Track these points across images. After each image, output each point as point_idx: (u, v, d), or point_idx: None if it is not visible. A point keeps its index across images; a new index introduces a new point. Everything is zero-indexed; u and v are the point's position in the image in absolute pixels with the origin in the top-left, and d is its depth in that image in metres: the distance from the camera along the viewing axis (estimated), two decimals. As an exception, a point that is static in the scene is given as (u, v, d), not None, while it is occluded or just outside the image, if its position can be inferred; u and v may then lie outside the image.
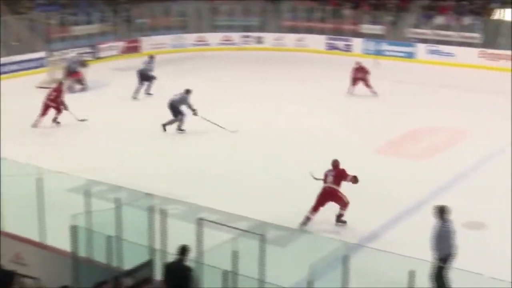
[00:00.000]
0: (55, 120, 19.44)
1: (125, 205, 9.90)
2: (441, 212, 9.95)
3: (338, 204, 12.67)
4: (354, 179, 12.73)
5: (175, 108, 18.82)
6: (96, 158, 16.44)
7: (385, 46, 30.87)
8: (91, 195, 10.23)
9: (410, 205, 13.46)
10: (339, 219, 12.69)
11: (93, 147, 17.70)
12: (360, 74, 23.06)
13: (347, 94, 23.04)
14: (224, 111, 20.26)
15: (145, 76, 22.92)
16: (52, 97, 19.51)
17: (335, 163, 12.85)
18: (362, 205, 13.26)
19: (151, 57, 23.60)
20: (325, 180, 12.73)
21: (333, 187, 12.62)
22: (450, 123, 19.63)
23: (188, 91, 18.93)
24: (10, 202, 11.46)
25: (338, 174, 12.68)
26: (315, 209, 12.57)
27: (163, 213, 9.46)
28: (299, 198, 13.87)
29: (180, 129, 18.85)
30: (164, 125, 18.76)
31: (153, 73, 23.03)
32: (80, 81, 24.05)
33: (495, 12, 30.66)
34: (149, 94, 23.06)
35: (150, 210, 9.57)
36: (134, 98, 22.67)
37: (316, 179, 13.06)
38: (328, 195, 12.62)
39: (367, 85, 22.89)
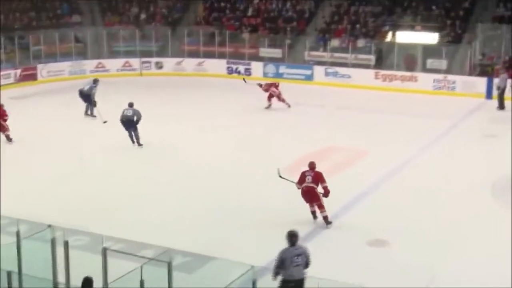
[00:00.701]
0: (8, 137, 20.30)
1: (25, 239, 9.61)
2: (290, 237, 9.91)
3: (316, 204, 13.50)
4: (326, 192, 13.50)
5: (130, 123, 19.52)
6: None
7: (284, 69, 31.44)
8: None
9: (315, 225, 13.66)
10: (327, 220, 13.56)
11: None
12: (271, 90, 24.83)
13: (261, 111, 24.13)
14: (115, 136, 20.07)
15: (85, 97, 23.26)
16: (6, 117, 20.44)
17: (312, 165, 13.82)
18: (270, 227, 13.41)
19: (95, 81, 23.71)
20: (303, 180, 13.49)
21: (311, 186, 13.42)
22: (349, 143, 20.10)
23: (131, 104, 19.85)
24: None
25: (316, 175, 13.58)
26: (309, 204, 13.68)
27: (66, 245, 9.25)
28: (205, 223, 13.91)
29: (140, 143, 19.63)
30: (138, 143, 19.67)
31: (95, 97, 23.26)
32: None
33: (387, 34, 31.80)
34: (93, 116, 23.34)
35: (53, 242, 9.34)
36: (87, 115, 23.41)
37: (282, 177, 14.01)
38: (307, 194, 13.53)
39: (280, 99, 24.73)
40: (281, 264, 9.64)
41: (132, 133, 19.60)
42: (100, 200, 15.21)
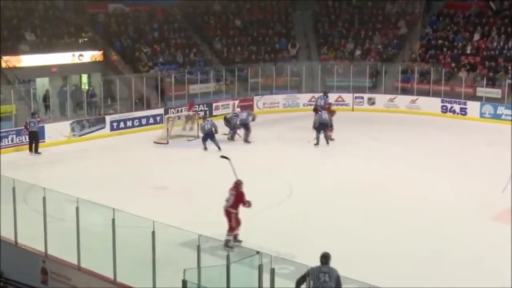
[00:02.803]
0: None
1: (234, 263, 9.93)
2: (321, 257, 10.59)
3: None
4: None
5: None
6: (209, 213, 16.60)
7: (502, 110, 29.92)
8: (201, 250, 10.34)
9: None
10: None
11: (207, 202, 17.89)
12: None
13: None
14: (332, 168, 20.26)
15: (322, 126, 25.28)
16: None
17: None
18: (482, 274, 12.79)
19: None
20: None
21: None
22: None
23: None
24: (123, 253, 11.78)
25: None
26: None
27: (272, 272, 9.42)
28: (404, 260, 13.57)
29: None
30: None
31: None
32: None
33: None
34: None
35: (260, 268, 9.55)
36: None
37: None
38: None
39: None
40: (302, 278, 10.15)
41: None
42: (307, 228, 15.40)
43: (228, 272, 9.75)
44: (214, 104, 31.08)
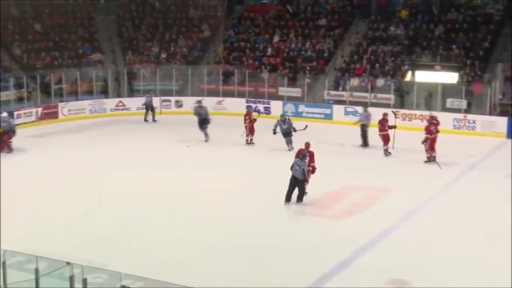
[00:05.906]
0: None
1: (44, 276, 9.60)
2: (302, 155, 17.16)
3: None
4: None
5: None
6: (16, 227, 15.86)
7: (303, 108, 31.52)
8: (7, 266, 9.88)
9: (334, 265, 13.51)
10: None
11: (13, 216, 17.07)
12: None
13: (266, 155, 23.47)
14: (135, 175, 20.17)
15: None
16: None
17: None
18: (288, 267, 13.30)
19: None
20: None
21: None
22: (370, 182, 19.99)
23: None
24: None
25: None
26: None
27: (84, 282, 9.22)
28: (221, 263, 13.83)
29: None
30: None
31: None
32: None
33: (407, 73, 31.83)
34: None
35: (71, 280, 9.31)
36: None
37: None
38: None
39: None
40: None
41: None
42: (119, 237, 15.18)
43: (37, 287, 9.40)
44: (16, 113, 29.64)
